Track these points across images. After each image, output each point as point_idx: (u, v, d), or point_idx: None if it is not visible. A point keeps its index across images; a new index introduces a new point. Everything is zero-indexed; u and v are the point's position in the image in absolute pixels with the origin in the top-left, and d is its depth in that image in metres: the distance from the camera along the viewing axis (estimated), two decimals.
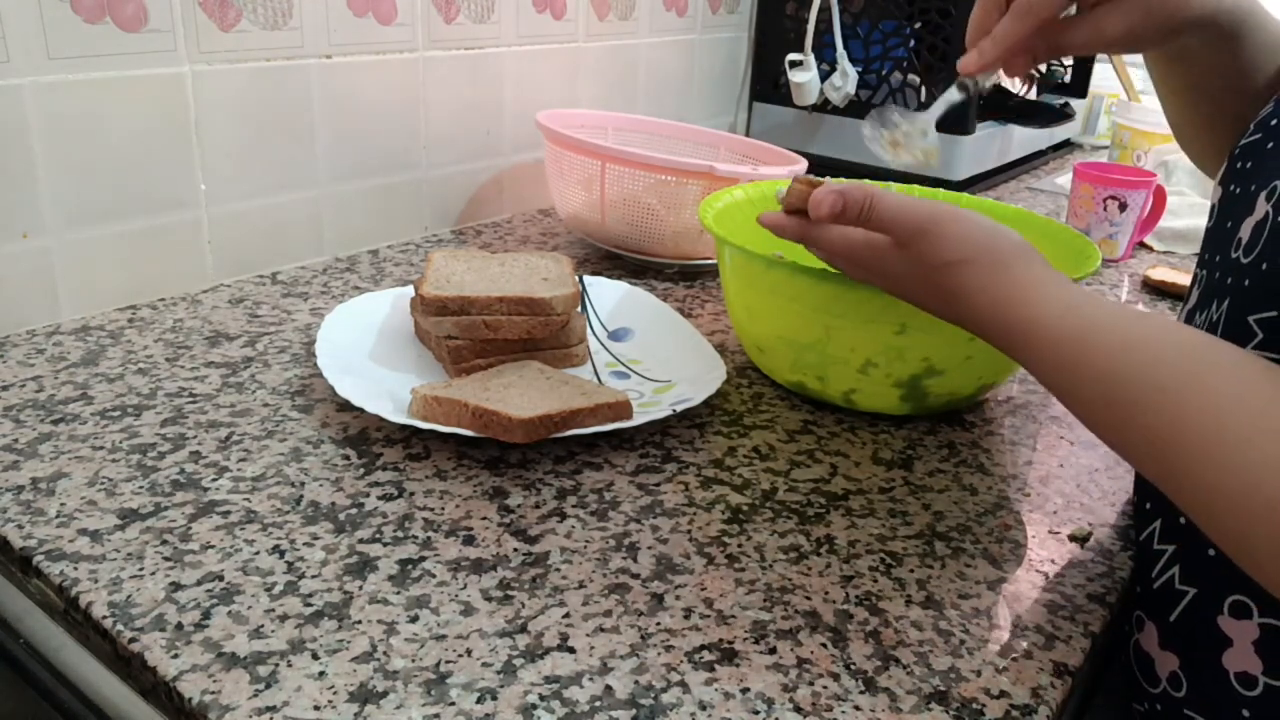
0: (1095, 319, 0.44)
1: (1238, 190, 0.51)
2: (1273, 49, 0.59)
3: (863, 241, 0.54)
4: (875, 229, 0.53)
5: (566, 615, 0.48)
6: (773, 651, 0.47)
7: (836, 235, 0.56)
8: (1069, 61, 1.48)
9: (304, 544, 0.52)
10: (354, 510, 0.55)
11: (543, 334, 0.69)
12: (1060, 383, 0.45)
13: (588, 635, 0.47)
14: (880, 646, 0.48)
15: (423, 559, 0.51)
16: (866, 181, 0.58)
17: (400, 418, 0.60)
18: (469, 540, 0.53)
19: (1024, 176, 1.49)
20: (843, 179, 0.61)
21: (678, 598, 0.50)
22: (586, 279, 0.83)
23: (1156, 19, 0.55)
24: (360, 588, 0.49)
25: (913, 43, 1.25)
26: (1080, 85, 1.54)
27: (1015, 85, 1.38)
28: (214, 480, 0.57)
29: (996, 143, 1.34)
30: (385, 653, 0.45)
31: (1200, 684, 0.50)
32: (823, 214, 0.52)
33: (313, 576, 0.50)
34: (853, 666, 0.46)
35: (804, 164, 0.99)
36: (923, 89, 1.25)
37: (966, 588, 0.53)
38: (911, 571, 0.54)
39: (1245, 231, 0.48)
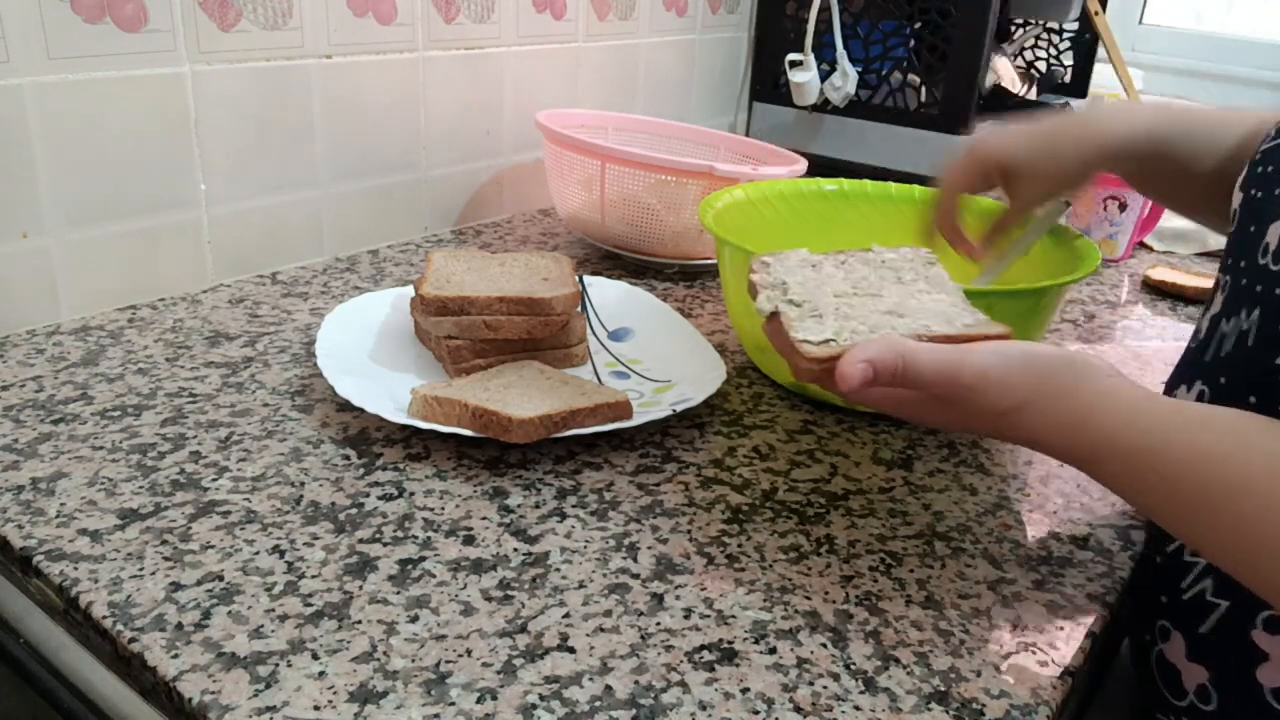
0: (1160, 425, 0.43)
1: (1260, 194, 0.51)
2: (1209, 143, 0.63)
3: (909, 399, 0.49)
4: (914, 389, 0.48)
5: (566, 615, 0.48)
6: (773, 651, 0.47)
7: (875, 395, 0.50)
8: (1069, 61, 1.48)
9: (304, 544, 0.52)
10: (354, 510, 0.55)
11: (543, 334, 0.69)
12: (1135, 494, 0.45)
13: (588, 635, 0.47)
14: (880, 646, 0.48)
15: (423, 559, 0.51)
16: (899, 340, 0.48)
17: (400, 418, 0.60)
18: (469, 540, 0.53)
19: None
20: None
21: (678, 598, 0.50)
22: (586, 279, 0.83)
23: (1062, 182, 0.66)
24: (360, 588, 0.49)
25: (913, 43, 1.25)
26: (1080, 85, 1.54)
27: (1015, 85, 1.38)
28: (214, 480, 0.57)
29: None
30: (385, 653, 0.45)
31: (1231, 698, 0.49)
32: (854, 387, 0.46)
33: (313, 576, 0.50)
34: (853, 666, 0.46)
35: (804, 164, 0.99)
36: (923, 89, 1.25)
37: (966, 588, 0.53)
38: (911, 571, 0.54)
39: (1273, 237, 0.48)
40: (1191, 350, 0.55)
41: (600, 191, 0.94)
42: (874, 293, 0.54)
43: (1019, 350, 0.47)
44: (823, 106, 1.31)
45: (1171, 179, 0.66)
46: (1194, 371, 0.54)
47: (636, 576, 0.51)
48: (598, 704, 0.43)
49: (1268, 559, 0.39)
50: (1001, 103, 1.32)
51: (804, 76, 1.27)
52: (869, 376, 0.45)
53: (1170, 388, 0.56)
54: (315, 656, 0.44)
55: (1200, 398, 0.52)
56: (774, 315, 0.52)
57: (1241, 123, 0.63)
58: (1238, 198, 0.53)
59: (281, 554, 0.51)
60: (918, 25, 1.24)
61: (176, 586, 0.48)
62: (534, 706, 0.42)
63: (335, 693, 0.42)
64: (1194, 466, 0.41)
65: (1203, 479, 0.41)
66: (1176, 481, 0.42)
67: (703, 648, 0.47)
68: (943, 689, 0.45)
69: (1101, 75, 1.58)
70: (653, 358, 0.75)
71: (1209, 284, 1.02)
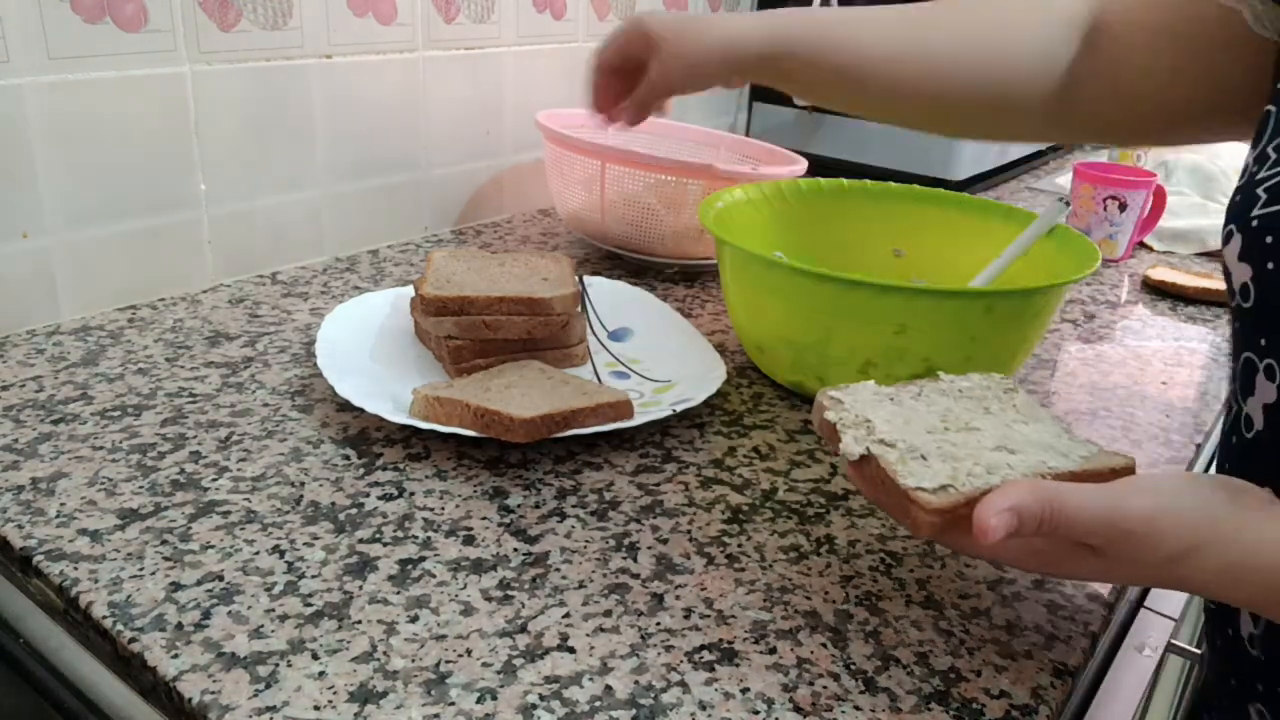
0: None
1: (1274, 266, 0.45)
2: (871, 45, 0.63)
3: (1049, 552, 0.43)
4: (1061, 538, 0.42)
5: (566, 615, 0.48)
6: (773, 651, 0.47)
7: (1012, 548, 0.44)
8: None
9: (304, 544, 0.52)
10: (354, 510, 0.55)
11: (543, 334, 0.69)
12: None
13: (588, 635, 0.47)
14: (880, 646, 0.48)
15: (423, 559, 0.51)
16: (1042, 487, 0.42)
17: (400, 418, 0.60)
18: (469, 540, 0.53)
19: (1024, 176, 1.49)
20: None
21: (678, 598, 0.50)
22: (586, 279, 0.83)
23: (694, 67, 0.67)
24: (360, 588, 0.49)
25: None
26: None
27: None
28: (214, 480, 0.57)
29: (996, 145, 1.34)
30: (385, 653, 0.45)
31: None
32: (998, 539, 0.40)
33: (313, 576, 0.50)
34: (853, 666, 0.46)
35: (804, 164, 0.99)
36: None
37: (966, 588, 0.53)
38: (911, 571, 0.54)
39: None
40: (1252, 441, 0.48)
41: (600, 191, 0.94)
42: (969, 427, 0.48)
43: (1182, 489, 0.42)
44: (823, 106, 1.31)
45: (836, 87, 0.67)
46: (1274, 464, 0.48)
47: (636, 576, 0.51)
48: (598, 704, 0.43)
49: None
50: None
51: None
52: (1014, 527, 0.40)
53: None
54: (315, 656, 0.44)
55: None
56: (864, 458, 0.46)
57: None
58: (1242, 270, 0.46)
59: (281, 554, 0.51)
60: None
61: (176, 586, 0.48)
62: (534, 706, 0.42)
63: (335, 693, 0.42)
64: None
65: None
66: None
67: (703, 648, 0.47)
68: (943, 689, 0.45)
69: None
70: (653, 358, 0.75)
71: (1209, 284, 1.02)
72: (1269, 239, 0.44)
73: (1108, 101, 0.63)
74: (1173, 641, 0.68)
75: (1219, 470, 0.51)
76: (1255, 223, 0.45)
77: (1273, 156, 0.46)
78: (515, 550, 0.53)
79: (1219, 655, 0.53)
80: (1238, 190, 0.47)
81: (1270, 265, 0.44)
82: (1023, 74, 0.63)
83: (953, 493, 0.43)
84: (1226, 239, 0.47)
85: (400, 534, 0.53)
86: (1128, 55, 0.61)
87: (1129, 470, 0.46)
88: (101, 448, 0.60)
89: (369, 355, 0.70)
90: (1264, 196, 0.45)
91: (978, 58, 0.63)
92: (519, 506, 0.57)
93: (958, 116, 0.67)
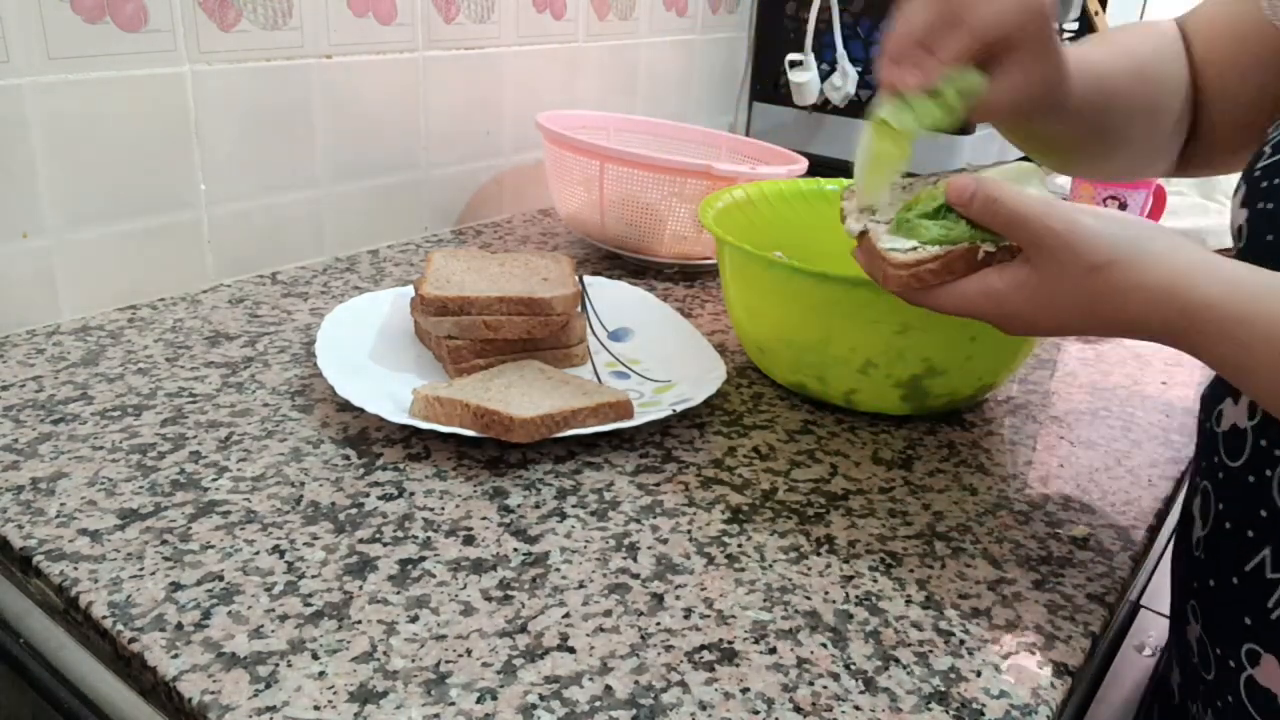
0: (1265, 290, 0.41)
1: (1271, 206, 0.49)
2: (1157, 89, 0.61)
3: (985, 288, 0.49)
4: (1004, 231, 0.48)
5: (566, 615, 0.48)
6: (773, 651, 0.47)
7: (949, 294, 0.50)
8: None
9: (304, 544, 0.52)
10: (354, 510, 0.55)
11: (543, 334, 0.69)
12: (1239, 367, 0.42)
13: (588, 635, 0.47)
14: (880, 646, 0.48)
15: (423, 559, 0.51)
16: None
17: (400, 418, 0.60)
18: (469, 540, 0.53)
19: None
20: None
21: (678, 598, 0.50)
22: (586, 279, 0.83)
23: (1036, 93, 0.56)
24: (360, 588, 0.49)
25: None
26: None
27: None
28: (214, 480, 0.57)
29: (996, 142, 1.34)
30: (385, 653, 0.45)
31: None
32: (954, 200, 0.49)
33: (313, 576, 0.50)
34: (853, 666, 0.46)
35: (804, 164, 0.99)
36: None
37: (966, 588, 0.53)
38: (911, 571, 0.54)
39: None
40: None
41: (600, 191, 0.94)
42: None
43: (1107, 210, 0.46)
44: (823, 106, 1.31)
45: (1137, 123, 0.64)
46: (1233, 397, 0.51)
47: (636, 576, 0.51)
48: (598, 704, 0.43)
49: None
50: None
51: (804, 76, 1.27)
52: (969, 193, 0.48)
53: (1213, 402, 0.53)
54: (315, 656, 0.44)
55: (1252, 413, 0.49)
56: (863, 234, 0.53)
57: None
58: (1241, 214, 0.50)
59: (281, 554, 0.51)
60: None
61: (176, 586, 0.48)
62: (534, 706, 0.42)
63: (335, 693, 0.42)
64: None
65: None
66: None
67: (703, 648, 0.47)
68: (943, 689, 0.45)
69: None
70: (653, 358, 0.75)
71: None
72: (1264, 184, 0.48)
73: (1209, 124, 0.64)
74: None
75: (1202, 397, 0.55)
76: (1257, 172, 0.49)
77: None
78: (515, 550, 0.53)
79: (1174, 574, 0.56)
80: (1254, 154, 0.51)
81: (1260, 205, 0.48)
82: (1168, 94, 0.63)
83: (920, 252, 0.50)
84: (1236, 191, 0.51)
85: (400, 534, 0.53)
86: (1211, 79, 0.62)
87: None
88: (101, 448, 0.60)
89: (369, 355, 0.70)
90: (1268, 151, 0.50)
91: (1144, 81, 0.62)
92: (519, 506, 0.57)
93: (1126, 149, 0.65)
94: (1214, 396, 0.53)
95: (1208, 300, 0.42)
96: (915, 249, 0.50)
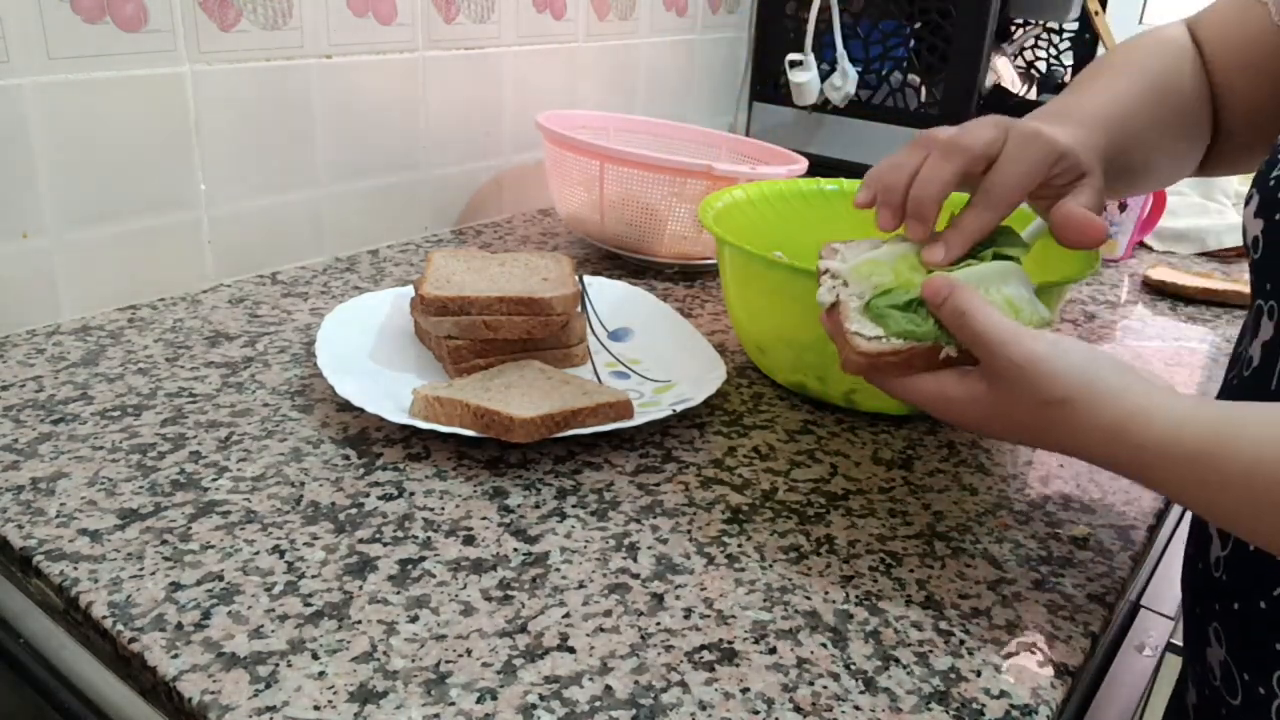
0: (1216, 426, 0.42)
1: None
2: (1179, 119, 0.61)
3: (951, 386, 0.49)
4: (964, 342, 0.48)
5: (566, 615, 0.48)
6: (773, 651, 0.47)
7: (906, 386, 0.51)
8: (1069, 61, 1.48)
9: (304, 544, 0.52)
10: (354, 510, 0.55)
11: (543, 334, 0.69)
12: (1195, 499, 0.43)
13: (588, 635, 0.47)
14: (880, 646, 0.48)
15: (423, 559, 0.51)
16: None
17: (400, 418, 0.60)
18: (469, 540, 0.53)
19: None
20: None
21: (678, 598, 0.50)
22: (586, 279, 0.83)
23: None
24: (360, 588, 0.49)
25: (913, 43, 1.25)
26: None
27: (1015, 85, 1.38)
28: (214, 480, 0.57)
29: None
30: (385, 653, 0.45)
31: None
32: (927, 299, 0.49)
33: (313, 576, 0.50)
34: (853, 666, 0.46)
35: (804, 164, 0.99)
36: (923, 89, 1.25)
37: (966, 588, 0.53)
38: (911, 571, 0.54)
39: None
40: (1247, 379, 0.52)
41: (600, 191, 0.94)
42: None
43: (1074, 343, 0.46)
44: (823, 106, 1.31)
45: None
46: (1260, 400, 0.50)
47: (636, 576, 0.51)
48: (598, 704, 0.43)
49: None
50: (1001, 103, 1.32)
51: (804, 76, 1.27)
52: (943, 297, 0.48)
53: None
54: (315, 656, 0.44)
55: None
56: (834, 306, 0.53)
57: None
58: (1256, 225, 0.50)
59: (281, 554, 0.51)
60: (918, 25, 1.24)
61: (176, 586, 0.48)
62: (534, 706, 0.42)
63: (335, 693, 0.42)
64: (1260, 465, 0.40)
65: (1274, 477, 0.39)
66: (1243, 483, 0.40)
67: (703, 648, 0.47)
68: (943, 689, 0.45)
69: None
70: (653, 358, 0.75)
71: (1209, 284, 1.02)
72: None
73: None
74: (1173, 641, 0.68)
75: None
76: (1271, 182, 0.49)
77: None
78: (515, 550, 0.53)
79: (1189, 590, 0.56)
80: (1265, 161, 0.51)
81: (1278, 216, 0.48)
82: (1187, 107, 0.62)
83: (884, 344, 0.50)
84: (1247, 201, 0.51)
85: (400, 534, 0.53)
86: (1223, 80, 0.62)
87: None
88: (101, 448, 0.60)
89: (369, 355, 0.70)
90: None
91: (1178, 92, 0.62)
92: (519, 506, 0.57)
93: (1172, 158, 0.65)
94: None
95: (1163, 439, 0.43)
96: (881, 339, 0.50)
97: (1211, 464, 0.41)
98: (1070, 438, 0.46)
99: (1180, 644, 0.66)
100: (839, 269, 0.53)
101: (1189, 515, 0.61)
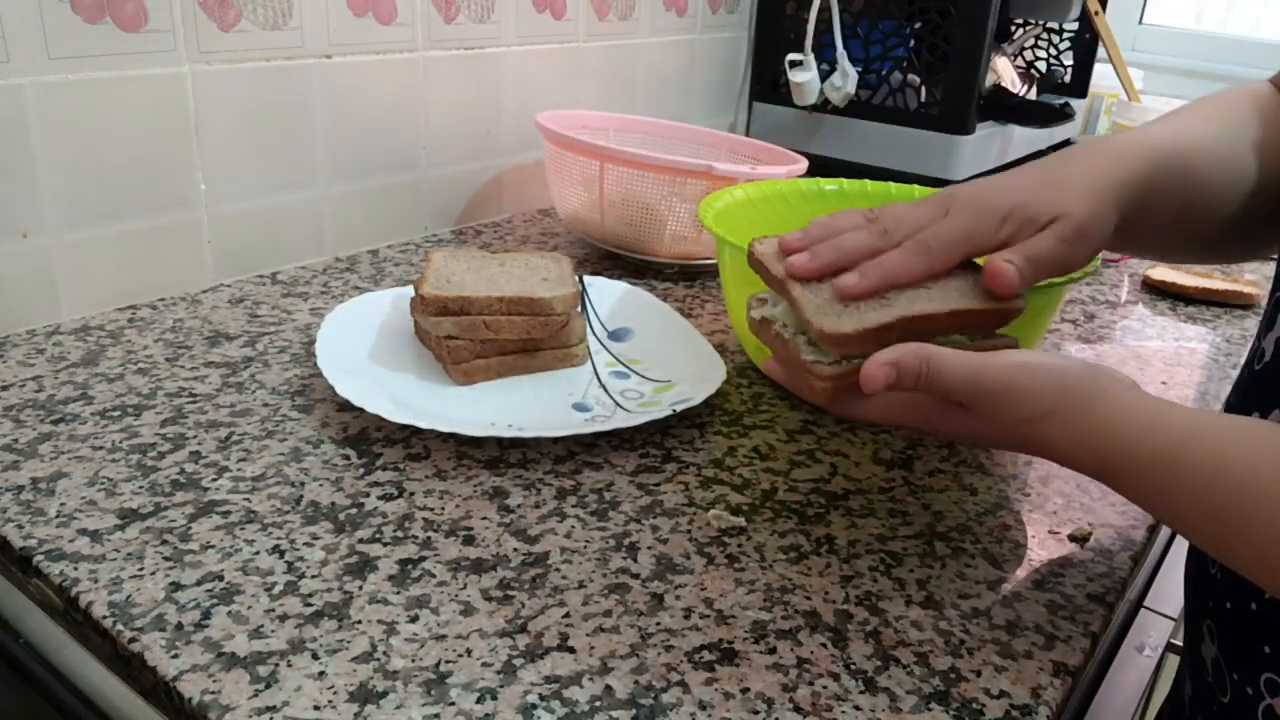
0: (1181, 434, 0.42)
1: None
2: (1212, 187, 0.56)
3: (925, 408, 0.48)
4: (936, 395, 0.47)
5: (566, 615, 0.48)
6: (773, 651, 0.47)
7: (895, 405, 0.48)
8: (1069, 61, 1.48)
9: (304, 544, 0.52)
10: (354, 510, 0.55)
11: (543, 334, 0.69)
12: (1158, 505, 0.44)
13: (588, 635, 0.47)
14: (880, 646, 0.48)
15: (423, 559, 0.51)
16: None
17: (400, 417, 0.60)
18: (469, 540, 0.53)
19: None
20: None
21: (678, 598, 0.50)
22: (586, 279, 0.83)
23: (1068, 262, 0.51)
24: (360, 588, 0.49)
25: (913, 43, 1.25)
26: (1080, 85, 1.54)
27: (1015, 85, 1.38)
28: (214, 480, 0.57)
29: (996, 143, 1.34)
30: (385, 653, 0.45)
31: None
32: (877, 389, 0.45)
33: (313, 576, 0.50)
34: (853, 666, 0.46)
35: (804, 164, 0.99)
36: (923, 89, 1.25)
37: (966, 588, 0.53)
38: (911, 571, 0.54)
39: None
40: (1258, 373, 0.51)
41: (600, 191, 0.94)
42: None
43: (1042, 360, 0.46)
44: (823, 106, 1.31)
45: (1184, 223, 0.58)
46: (1277, 394, 0.50)
47: (636, 576, 0.51)
48: (598, 704, 0.43)
49: None
50: (1001, 103, 1.32)
51: (804, 76, 1.27)
52: (893, 378, 0.45)
53: (1238, 412, 0.52)
54: (315, 656, 0.44)
55: None
56: (764, 321, 0.52)
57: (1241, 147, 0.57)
58: None
59: (281, 554, 0.51)
60: (918, 25, 1.24)
61: (176, 586, 0.48)
62: (534, 706, 0.42)
63: (335, 693, 0.42)
64: (1220, 475, 0.40)
65: (1230, 487, 0.40)
66: (1203, 491, 0.41)
67: (703, 648, 0.47)
68: (943, 689, 0.45)
69: (1101, 75, 1.58)
70: (653, 358, 0.75)
71: (1209, 284, 1.02)
72: None
73: None
74: (1173, 641, 0.68)
75: (1224, 407, 0.54)
76: None
77: None
78: (515, 550, 0.53)
79: (1188, 583, 0.55)
80: None
81: None
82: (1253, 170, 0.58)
83: (845, 365, 0.48)
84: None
85: (400, 534, 0.53)
86: None
87: (1011, 345, 0.51)
88: (101, 448, 0.60)
89: (369, 355, 0.70)
90: None
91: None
92: (519, 506, 0.57)
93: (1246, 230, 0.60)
94: (1241, 410, 0.52)
95: (1129, 445, 0.43)
96: (839, 362, 0.48)
97: (1174, 471, 0.42)
98: (1049, 446, 0.46)
99: (1180, 644, 0.66)
100: (774, 314, 0.52)
101: None
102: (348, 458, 0.60)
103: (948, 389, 0.46)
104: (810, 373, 0.49)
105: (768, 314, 0.53)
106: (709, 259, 0.97)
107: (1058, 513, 0.61)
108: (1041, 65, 1.48)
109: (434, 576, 0.50)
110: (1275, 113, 0.59)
